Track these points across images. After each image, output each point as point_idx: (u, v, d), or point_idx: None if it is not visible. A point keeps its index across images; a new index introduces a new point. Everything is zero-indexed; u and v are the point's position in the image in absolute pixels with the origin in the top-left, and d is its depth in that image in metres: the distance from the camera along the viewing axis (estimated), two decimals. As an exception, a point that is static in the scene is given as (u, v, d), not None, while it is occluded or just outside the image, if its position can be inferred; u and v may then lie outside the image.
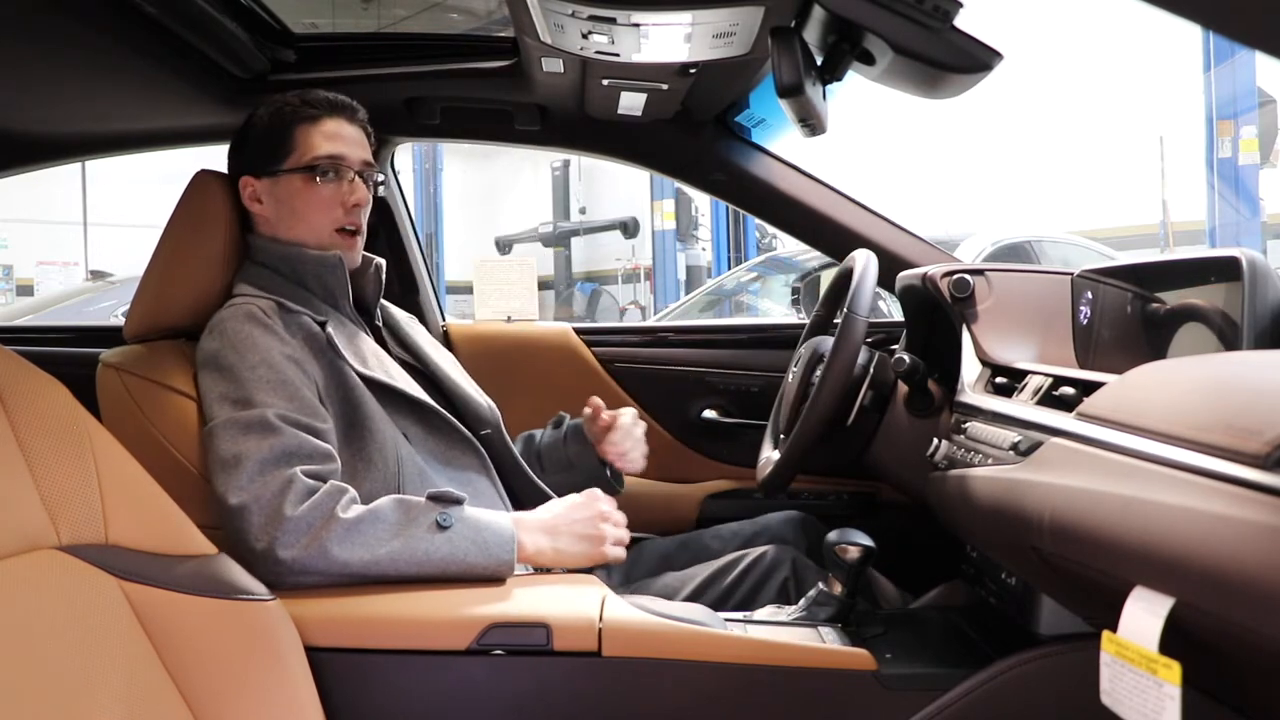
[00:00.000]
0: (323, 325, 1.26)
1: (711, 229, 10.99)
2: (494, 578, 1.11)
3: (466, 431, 1.33)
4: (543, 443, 1.58)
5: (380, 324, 1.44)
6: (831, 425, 1.35)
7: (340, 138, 1.32)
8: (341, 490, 1.11)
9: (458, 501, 1.14)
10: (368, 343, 1.32)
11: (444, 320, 2.02)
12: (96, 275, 8.43)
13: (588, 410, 1.53)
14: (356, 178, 1.33)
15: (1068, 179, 9.72)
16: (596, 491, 1.27)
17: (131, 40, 1.38)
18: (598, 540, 1.21)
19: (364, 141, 1.37)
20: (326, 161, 1.31)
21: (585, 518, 1.22)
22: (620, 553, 1.23)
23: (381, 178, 1.42)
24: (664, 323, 4.85)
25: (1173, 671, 0.65)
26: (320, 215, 1.32)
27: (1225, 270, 0.99)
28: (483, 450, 1.34)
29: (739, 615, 1.17)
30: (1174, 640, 0.65)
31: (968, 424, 1.16)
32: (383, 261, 1.41)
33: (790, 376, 1.52)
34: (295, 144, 1.31)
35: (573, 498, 1.25)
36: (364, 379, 1.24)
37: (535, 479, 1.41)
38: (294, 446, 1.12)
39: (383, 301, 1.46)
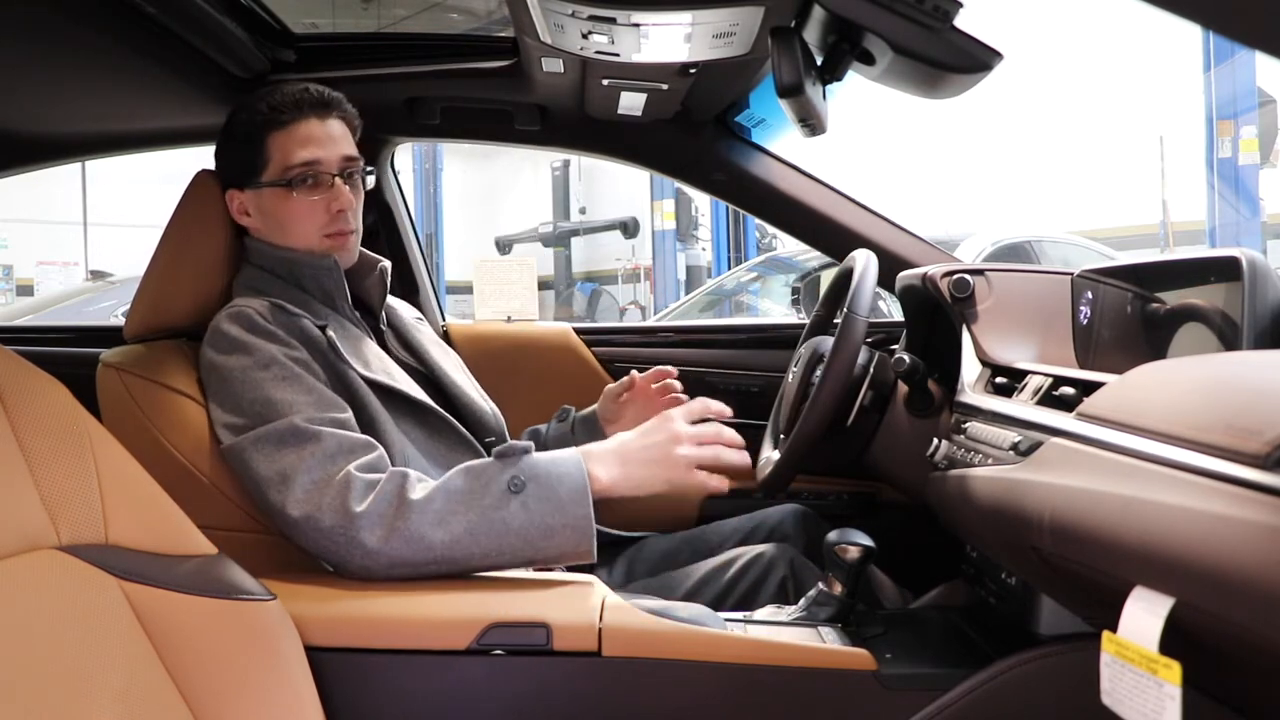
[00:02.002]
0: (323, 329, 1.25)
1: (711, 229, 11.01)
2: (578, 543, 1.08)
3: (467, 433, 1.33)
4: (549, 436, 1.57)
5: (385, 326, 1.43)
6: (831, 425, 1.35)
7: (314, 140, 1.27)
8: (403, 475, 1.09)
9: (524, 452, 1.10)
10: (370, 345, 1.32)
11: (444, 320, 2.02)
12: (96, 275, 8.44)
13: (610, 387, 1.53)
14: (337, 180, 1.28)
15: (1068, 179, 9.72)
16: (671, 412, 1.16)
17: (131, 40, 1.37)
18: (675, 464, 1.12)
19: (343, 136, 1.31)
20: (301, 170, 1.26)
21: (656, 442, 1.13)
22: (713, 482, 1.13)
23: (371, 169, 1.37)
24: (664, 323, 4.85)
25: (1173, 671, 0.65)
26: (304, 225, 1.28)
27: (1225, 270, 0.99)
28: (484, 453, 1.33)
29: (739, 615, 1.17)
30: (1174, 640, 0.65)
31: (968, 424, 1.16)
32: (388, 264, 1.40)
33: (790, 376, 1.52)
34: (270, 154, 1.27)
35: (645, 424, 1.16)
36: (367, 381, 1.24)
37: None
38: (333, 447, 1.11)
39: (390, 303, 1.45)
